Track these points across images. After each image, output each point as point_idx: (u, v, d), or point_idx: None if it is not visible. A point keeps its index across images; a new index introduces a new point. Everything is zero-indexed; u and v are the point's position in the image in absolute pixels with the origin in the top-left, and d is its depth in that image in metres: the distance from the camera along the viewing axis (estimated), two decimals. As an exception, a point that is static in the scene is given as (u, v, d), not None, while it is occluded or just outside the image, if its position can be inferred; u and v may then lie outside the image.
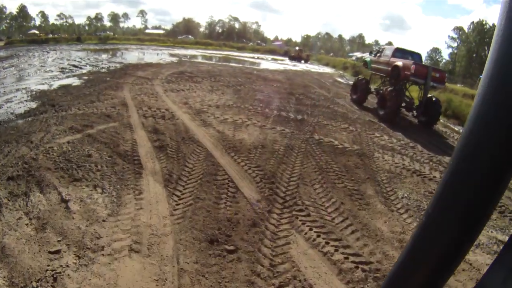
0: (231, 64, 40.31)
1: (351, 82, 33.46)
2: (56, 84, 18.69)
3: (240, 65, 40.22)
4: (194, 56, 48.53)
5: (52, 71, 24.83)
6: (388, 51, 19.95)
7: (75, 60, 32.93)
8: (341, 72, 47.96)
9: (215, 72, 27.68)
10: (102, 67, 27.25)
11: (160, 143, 9.82)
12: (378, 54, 21.13)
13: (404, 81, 18.04)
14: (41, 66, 28.48)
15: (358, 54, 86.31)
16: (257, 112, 14.81)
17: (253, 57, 59.99)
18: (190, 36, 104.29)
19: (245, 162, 8.91)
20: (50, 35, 79.48)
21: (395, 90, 16.99)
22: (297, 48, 77.67)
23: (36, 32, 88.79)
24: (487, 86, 0.63)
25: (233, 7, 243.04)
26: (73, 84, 18.67)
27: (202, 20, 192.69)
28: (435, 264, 0.73)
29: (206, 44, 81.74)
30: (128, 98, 15.23)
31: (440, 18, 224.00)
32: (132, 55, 42.80)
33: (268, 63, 49.80)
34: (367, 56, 23.46)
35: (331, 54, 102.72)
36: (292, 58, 64.98)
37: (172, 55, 47.31)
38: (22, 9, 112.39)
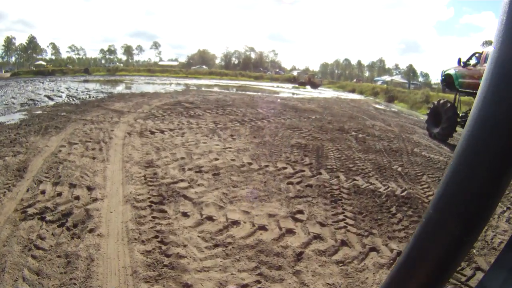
0: (247, 92, 31.94)
1: (394, 109, 28.56)
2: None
3: (259, 93, 31.73)
4: (205, 86, 40.69)
5: (13, 103, 18.49)
6: (495, 57, 11.22)
7: (58, 91, 26.61)
8: (371, 98, 40.44)
9: (226, 102, 19.27)
10: (79, 98, 20.53)
11: None
12: (473, 63, 12.59)
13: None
14: (12, 97, 22.19)
15: (387, 78, 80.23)
16: (307, 185, 6.42)
17: (272, 86, 52.20)
18: (204, 66, 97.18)
19: None
20: (63, 67, 74.41)
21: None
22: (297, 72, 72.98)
23: (43, 63, 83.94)
24: (487, 86, 0.60)
25: (249, 40, 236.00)
26: (3, 123, 11.47)
27: (217, 51, 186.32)
28: (436, 264, 0.69)
29: (221, 74, 74.31)
30: (32, 160, 7.21)
31: (454, 38, 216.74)
32: (132, 86, 35.69)
33: (291, 91, 41.59)
34: (449, 68, 14.50)
35: (355, 80, 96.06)
36: (302, 84, 58.45)
37: (179, 84, 39.84)
38: (32, 40, 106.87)
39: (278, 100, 24.57)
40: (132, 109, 14.37)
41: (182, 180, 6.06)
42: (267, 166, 7.39)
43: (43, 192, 5.49)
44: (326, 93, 43.48)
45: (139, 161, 7.06)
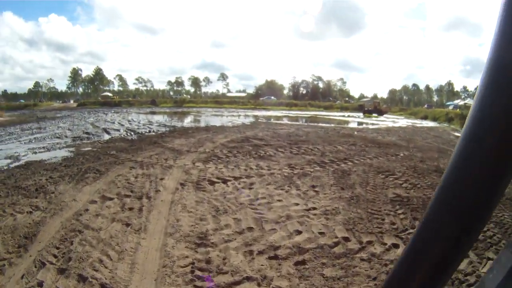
0: (320, 124, 30.04)
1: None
2: (25, 159, 11.56)
3: (332, 125, 29.78)
4: (274, 117, 39.38)
5: (66, 136, 18.53)
6: None
7: (119, 123, 27.03)
8: (445, 124, 38.06)
9: (299, 137, 17.31)
10: (138, 132, 19.80)
11: None
12: None
13: None
14: (68, 129, 22.96)
15: (459, 102, 77.14)
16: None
17: (343, 116, 50.86)
18: (272, 97, 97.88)
19: None
20: (130, 98, 77.99)
21: None
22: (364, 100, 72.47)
23: (110, 94, 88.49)
24: (485, 86, 0.62)
25: (315, 69, 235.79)
26: (43, 162, 10.90)
27: (285, 81, 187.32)
28: (435, 264, 0.70)
29: (290, 105, 73.69)
30: (47, 223, 5.87)
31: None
32: (197, 118, 35.32)
33: (363, 121, 39.44)
34: None
35: (426, 105, 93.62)
36: (368, 112, 58.28)
37: (248, 116, 38.98)
38: (98, 72, 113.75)
39: (355, 133, 22.17)
40: (193, 148, 12.83)
41: (248, 278, 3.93)
42: (370, 243, 5.08)
43: (40, 284, 3.82)
44: (399, 121, 41.19)
45: (188, 234, 5.09)
